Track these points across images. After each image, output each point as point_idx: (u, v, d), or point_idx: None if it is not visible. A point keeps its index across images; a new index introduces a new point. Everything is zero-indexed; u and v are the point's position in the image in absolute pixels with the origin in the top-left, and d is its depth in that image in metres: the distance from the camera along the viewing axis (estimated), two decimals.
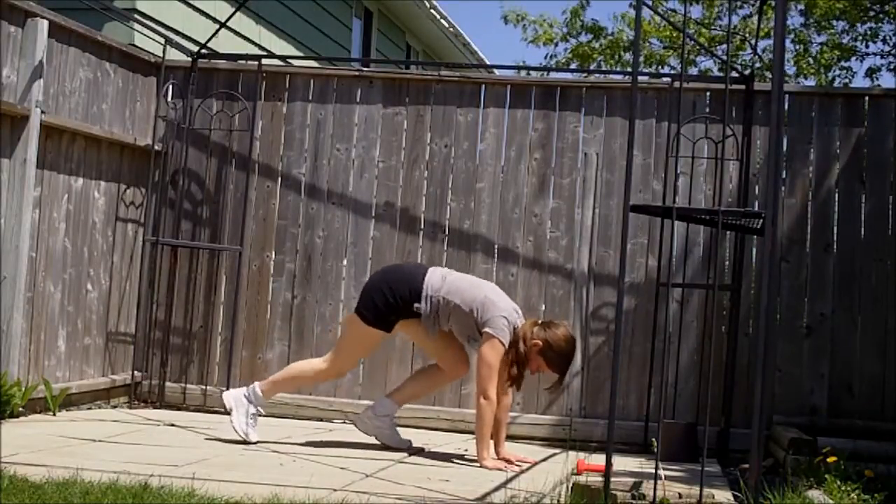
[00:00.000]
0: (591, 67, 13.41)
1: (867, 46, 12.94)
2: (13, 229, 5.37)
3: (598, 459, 4.59)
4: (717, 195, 6.09)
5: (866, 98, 6.29)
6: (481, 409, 4.95)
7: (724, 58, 11.79)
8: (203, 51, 6.73)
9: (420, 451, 5.25)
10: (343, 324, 5.61)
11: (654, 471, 3.89)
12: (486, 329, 4.95)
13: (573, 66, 13.63)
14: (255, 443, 5.13)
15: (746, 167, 6.11)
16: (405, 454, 5.11)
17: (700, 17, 13.42)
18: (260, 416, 5.25)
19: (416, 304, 5.07)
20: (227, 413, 5.22)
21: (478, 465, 4.91)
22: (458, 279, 5.17)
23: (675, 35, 12.81)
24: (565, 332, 5.01)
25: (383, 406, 5.32)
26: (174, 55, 6.79)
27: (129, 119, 6.42)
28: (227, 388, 6.32)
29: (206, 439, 5.23)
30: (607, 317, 6.21)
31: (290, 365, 5.54)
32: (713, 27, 13.30)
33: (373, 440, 5.34)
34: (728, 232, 5.96)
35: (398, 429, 5.38)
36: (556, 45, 13.93)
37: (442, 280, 5.12)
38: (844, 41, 13.00)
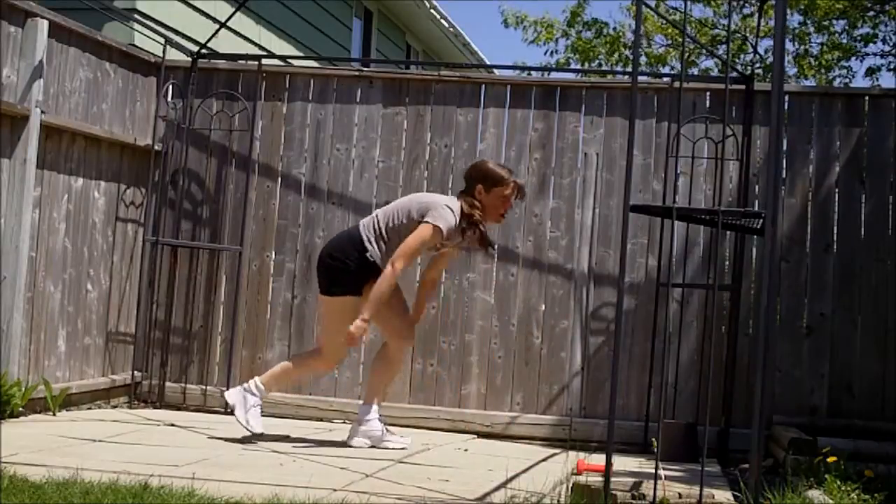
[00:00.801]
0: (592, 64, 13.42)
1: (867, 46, 12.94)
2: (13, 229, 5.37)
3: (598, 459, 4.59)
4: (717, 195, 6.09)
5: (866, 98, 6.28)
6: (383, 277, 5.05)
7: (725, 58, 11.80)
8: (203, 51, 6.73)
9: (415, 449, 5.25)
10: (319, 312, 5.62)
11: (654, 471, 3.89)
12: (426, 219, 5.08)
13: (573, 62, 13.65)
14: (260, 434, 5.15)
15: (746, 167, 6.11)
16: (405, 454, 5.10)
17: (701, 17, 13.42)
18: (262, 412, 5.26)
19: (367, 254, 5.14)
20: (231, 412, 5.23)
21: (478, 469, 4.90)
22: (389, 207, 5.29)
23: (676, 33, 12.81)
24: (489, 162, 5.31)
25: (364, 412, 5.26)
26: (174, 55, 6.79)
27: (129, 119, 6.42)
28: (228, 388, 6.34)
29: (207, 439, 5.23)
30: (607, 317, 6.21)
31: (288, 360, 5.54)
32: (714, 27, 13.29)
33: None
34: (728, 232, 5.95)
35: (396, 428, 5.39)
36: (557, 41, 13.95)
37: (374, 219, 5.23)
38: (844, 41, 13.01)
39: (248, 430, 5.18)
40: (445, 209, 5.10)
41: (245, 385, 5.29)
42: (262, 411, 5.28)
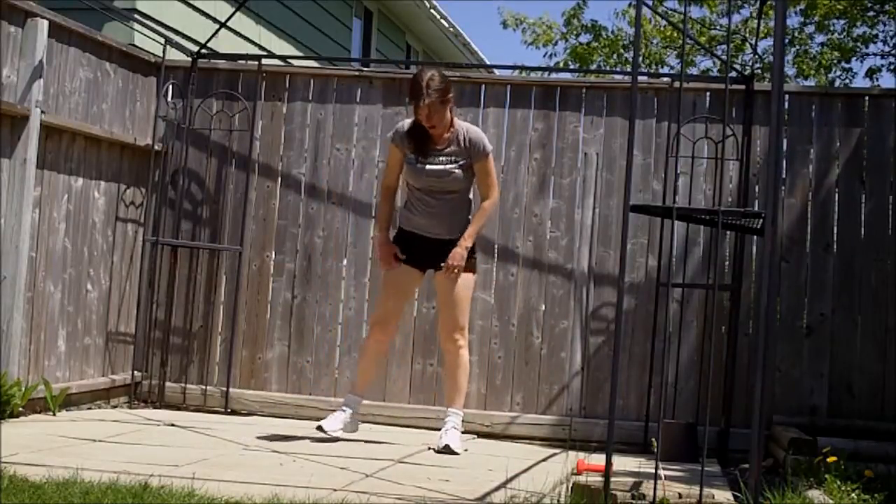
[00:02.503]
0: (591, 67, 13.41)
1: (867, 47, 12.94)
2: (13, 229, 5.37)
3: (598, 459, 4.59)
4: (717, 195, 6.09)
5: (866, 98, 6.28)
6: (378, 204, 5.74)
7: (724, 58, 11.79)
8: (203, 51, 6.73)
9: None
10: None
11: (654, 471, 3.89)
12: None
13: (572, 66, 13.63)
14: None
15: (746, 167, 6.11)
16: (405, 454, 5.09)
17: (700, 17, 13.41)
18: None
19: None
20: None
21: (478, 469, 4.90)
22: None
23: (675, 34, 12.81)
24: (422, 74, 5.21)
25: (453, 416, 5.35)
26: (174, 55, 6.79)
27: (129, 119, 6.42)
28: (227, 388, 6.35)
29: (207, 439, 5.23)
30: (607, 317, 6.21)
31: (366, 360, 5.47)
32: (713, 27, 13.29)
33: (372, 439, 5.36)
34: (728, 232, 5.96)
35: (396, 429, 5.40)
36: (556, 44, 13.93)
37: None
38: (844, 42, 13.00)
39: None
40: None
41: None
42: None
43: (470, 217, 5.33)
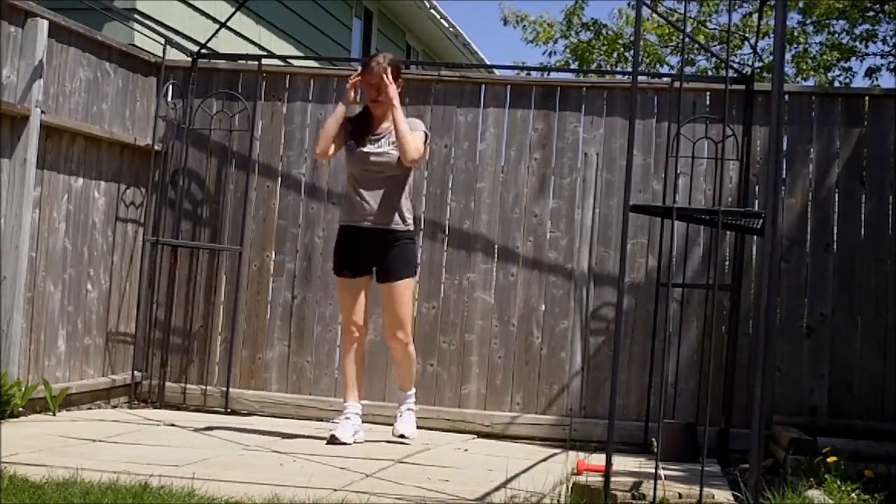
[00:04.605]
0: (591, 65, 13.42)
1: (867, 46, 12.95)
2: (13, 229, 5.37)
3: (598, 459, 4.59)
4: (717, 195, 6.09)
5: (866, 98, 6.28)
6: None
7: (722, 56, 11.79)
8: (203, 51, 6.73)
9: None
10: None
11: (654, 471, 3.89)
12: None
13: (572, 63, 13.65)
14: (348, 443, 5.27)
15: (746, 167, 6.11)
16: (405, 454, 5.09)
17: (697, 15, 13.40)
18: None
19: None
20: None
21: (478, 469, 4.90)
22: None
23: (673, 32, 12.81)
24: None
25: (408, 398, 5.57)
26: (174, 55, 6.79)
27: (129, 119, 6.42)
28: (227, 388, 6.35)
29: (207, 439, 5.23)
30: (607, 317, 6.21)
31: (349, 367, 5.48)
32: (710, 25, 13.29)
33: (372, 439, 5.36)
34: (728, 232, 5.96)
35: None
36: (556, 42, 13.95)
37: None
38: (844, 41, 13.01)
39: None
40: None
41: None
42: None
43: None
